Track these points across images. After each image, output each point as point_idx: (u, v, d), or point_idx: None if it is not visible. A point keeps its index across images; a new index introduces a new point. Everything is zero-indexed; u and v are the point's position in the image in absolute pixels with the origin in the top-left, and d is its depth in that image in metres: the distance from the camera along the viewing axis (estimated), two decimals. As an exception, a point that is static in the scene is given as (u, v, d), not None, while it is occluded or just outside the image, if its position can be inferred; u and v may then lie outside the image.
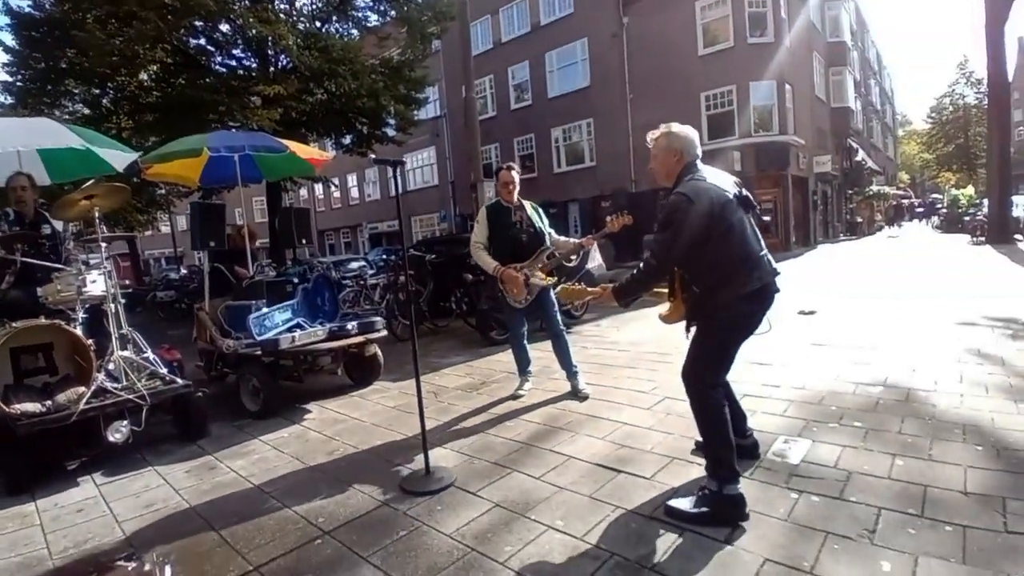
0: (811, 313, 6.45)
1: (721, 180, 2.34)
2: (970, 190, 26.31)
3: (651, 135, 2.50)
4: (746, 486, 2.31)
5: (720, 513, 2.20)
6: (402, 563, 2.12)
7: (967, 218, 20.18)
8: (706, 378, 2.36)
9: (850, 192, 29.17)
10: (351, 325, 4.68)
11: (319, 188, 30.59)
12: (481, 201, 10.15)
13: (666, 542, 2.12)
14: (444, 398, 4.41)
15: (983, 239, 15.70)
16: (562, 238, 4.36)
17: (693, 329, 2.43)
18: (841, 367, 4.24)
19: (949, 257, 12.76)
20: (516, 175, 4.24)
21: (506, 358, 5.63)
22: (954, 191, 28.64)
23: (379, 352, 4.99)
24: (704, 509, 2.23)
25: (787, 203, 18.93)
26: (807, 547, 2.00)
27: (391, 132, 14.90)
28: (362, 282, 8.63)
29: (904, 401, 3.42)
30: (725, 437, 2.30)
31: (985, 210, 17.04)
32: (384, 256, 16.54)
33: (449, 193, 26.31)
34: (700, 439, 2.91)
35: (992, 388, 3.51)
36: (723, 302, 2.25)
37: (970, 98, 48.62)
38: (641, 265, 2.36)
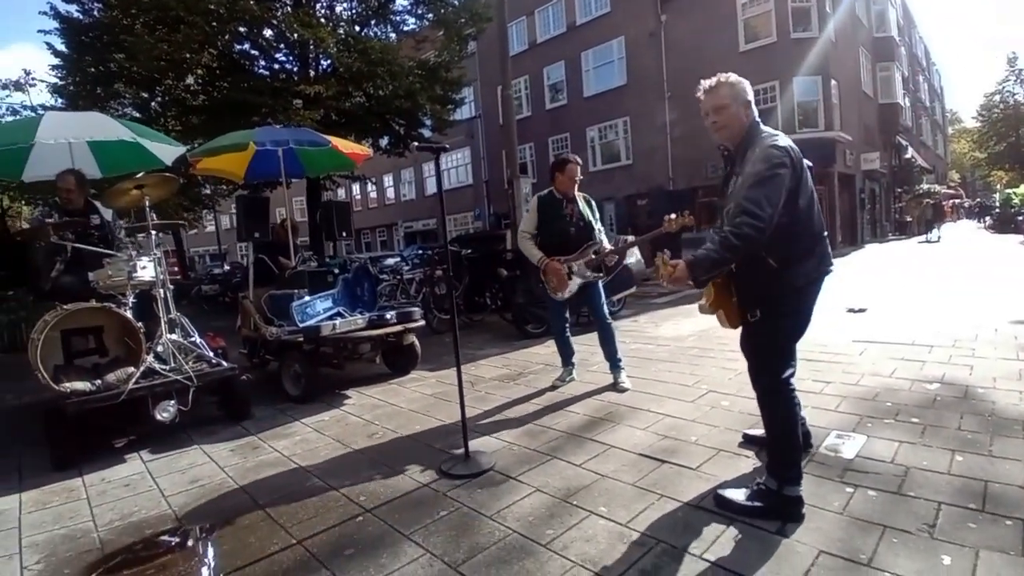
0: (861, 311, 6.19)
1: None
2: (1023, 189, 24.84)
3: (704, 86, 2.21)
4: (799, 479, 2.21)
5: (775, 511, 2.08)
6: (444, 542, 2.11)
7: (1020, 218, 19.06)
8: (776, 371, 2.15)
9: (899, 190, 27.93)
10: (390, 315, 4.73)
11: (356, 188, 31.19)
12: (518, 197, 10.14)
13: (715, 531, 2.05)
14: (481, 387, 4.40)
15: (1037, 239, 14.82)
16: (606, 244, 4.13)
17: (751, 321, 2.17)
18: (895, 364, 4.05)
19: (1002, 257, 12.09)
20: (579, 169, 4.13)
21: (542, 351, 5.61)
22: (1006, 190, 27.09)
23: (416, 342, 5.03)
24: (758, 503, 2.12)
25: (833, 201, 18.27)
26: (864, 540, 1.91)
27: (427, 132, 15.06)
28: (398, 277, 8.73)
29: (962, 398, 3.24)
30: (794, 437, 2.15)
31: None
32: (419, 252, 16.67)
33: (483, 192, 26.46)
34: (749, 432, 2.84)
35: (1057, 386, 3.29)
36: (797, 276, 2.04)
37: (1020, 96, 45.95)
38: (733, 231, 1.89)
